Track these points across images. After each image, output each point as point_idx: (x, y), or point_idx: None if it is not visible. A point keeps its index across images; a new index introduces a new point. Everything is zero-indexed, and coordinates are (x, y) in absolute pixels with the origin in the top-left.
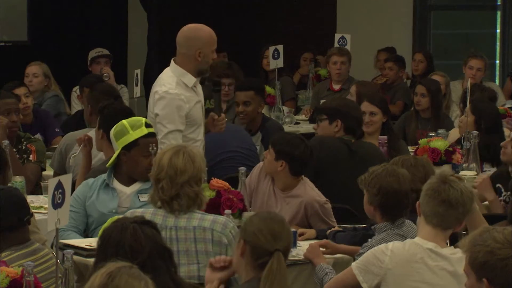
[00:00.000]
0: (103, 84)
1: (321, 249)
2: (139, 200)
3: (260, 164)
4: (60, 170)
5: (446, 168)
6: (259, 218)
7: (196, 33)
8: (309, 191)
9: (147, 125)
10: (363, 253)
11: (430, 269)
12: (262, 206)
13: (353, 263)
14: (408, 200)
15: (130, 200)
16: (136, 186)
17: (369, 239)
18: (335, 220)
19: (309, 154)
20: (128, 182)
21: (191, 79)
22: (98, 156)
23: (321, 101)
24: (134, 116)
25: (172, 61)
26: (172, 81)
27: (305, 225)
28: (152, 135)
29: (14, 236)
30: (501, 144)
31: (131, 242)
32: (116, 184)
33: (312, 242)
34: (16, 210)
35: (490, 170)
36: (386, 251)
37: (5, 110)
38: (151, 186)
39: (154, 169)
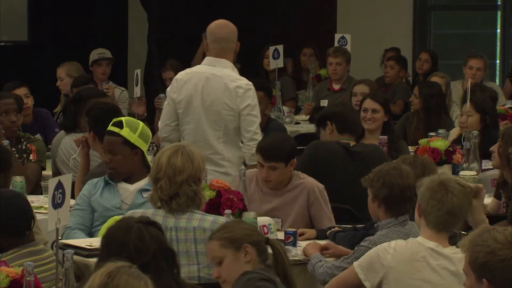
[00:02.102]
0: (91, 88)
1: (323, 251)
2: (142, 196)
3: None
4: (54, 169)
5: (445, 171)
6: (232, 222)
7: (233, 26)
8: (307, 177)
9: (115, 124)
10: (363, 246)
11: (431, 268)
12: (257, 211)
13: (355, 262)
14: (412, 193)
15: (133, 196)
16: (139, 184)
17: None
18: (331, 212)
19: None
20: (131, 180)
21: (237, 71)
22: None
23: (321, 101)
24: (121, 113)
25: (218, 60)
26: (239, 75)
27: (305, 219)
28: (110, 133)
29: (21, 242)
30: (490, 149)
31: (136, 242)
32: (120, 182)
33: (312, 242)
34: (22, 217)
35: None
36: (389, 249)
37: (4, 110)
38: None
39: (153, 169)
